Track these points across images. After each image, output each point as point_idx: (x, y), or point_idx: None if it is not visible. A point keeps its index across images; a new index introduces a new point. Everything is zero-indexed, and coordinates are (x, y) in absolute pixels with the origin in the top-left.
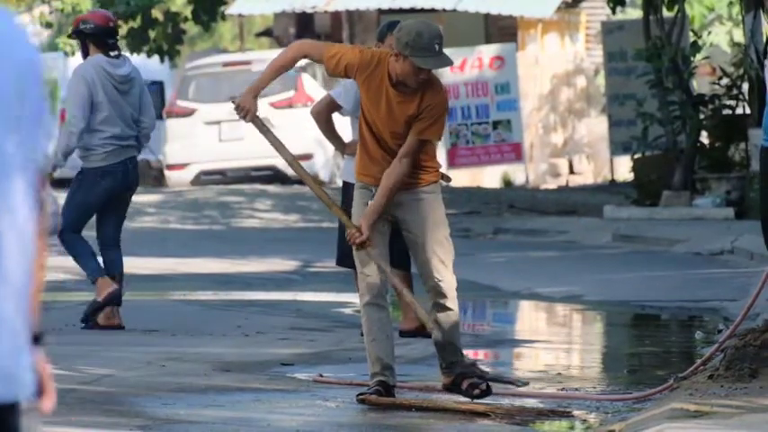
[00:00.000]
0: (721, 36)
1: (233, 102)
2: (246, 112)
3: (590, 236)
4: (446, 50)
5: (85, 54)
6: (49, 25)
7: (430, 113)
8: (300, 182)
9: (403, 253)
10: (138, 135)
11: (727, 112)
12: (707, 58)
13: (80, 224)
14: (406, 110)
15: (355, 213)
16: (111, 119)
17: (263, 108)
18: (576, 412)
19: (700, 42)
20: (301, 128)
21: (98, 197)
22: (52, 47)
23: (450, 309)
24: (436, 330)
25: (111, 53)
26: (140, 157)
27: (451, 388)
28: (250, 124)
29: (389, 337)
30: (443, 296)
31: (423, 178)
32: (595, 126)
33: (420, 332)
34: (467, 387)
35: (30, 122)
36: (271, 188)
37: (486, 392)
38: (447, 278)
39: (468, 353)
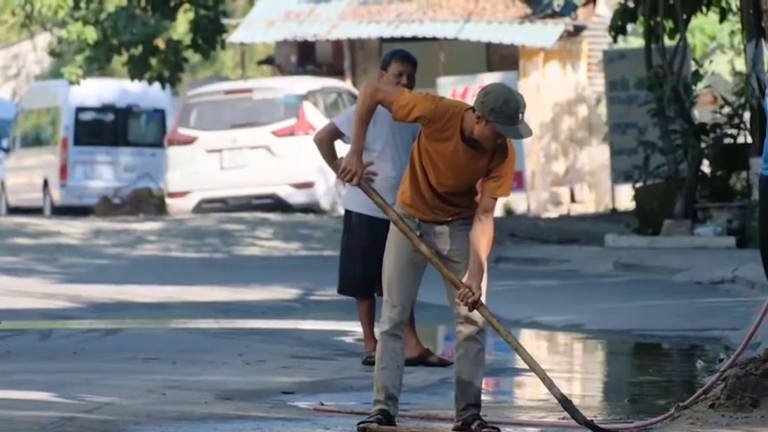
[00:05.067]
0: (723, 65)
1: (337, 165)
2: (354, 174)
3: (591, 265)
4: (448, 79)
5: None
6: (56, 54)
7: (500, 172)
8: (301, 210)
9: None
10: None
11: (728, 140)
12: (708, 86)
13: None
14: (476, 163)
15: (393, 232)
16: None
17: (265, 136)
18: None
19: (701, 71)
20: (303, 156)
21: None
22: (55, 75)
23: (479, 341)
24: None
25: None
26: (142, 184)
27: (462, 428)
28: (250, 152)
29: (400, 368)
30: (476, 325)
31: (470, 213)
32: (597, 154)
33: (421, 361)
34: (476, 427)
35: None
36: (272, 216)
37: None
38: (482, 308)
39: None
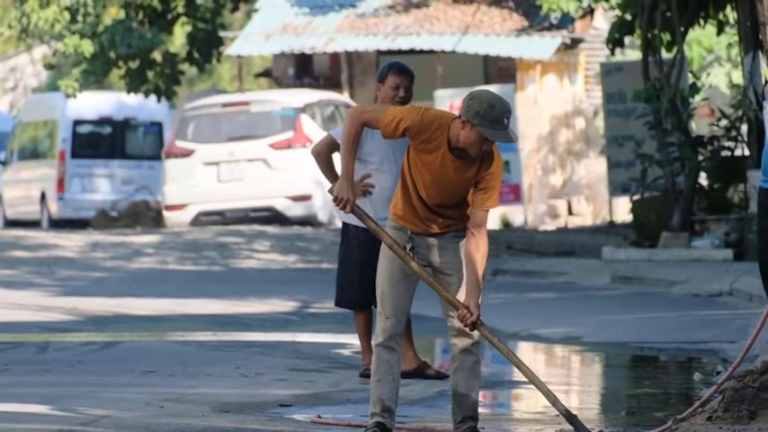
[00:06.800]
0: (720, 77)
1: (330, 192)
2: (346, 201)
3: (589, 277)
4: (445, 91)
5: None
6: (52, 67)
7: (488, 184)
8: (299, 223)
9: None
10: None
11: (725, 153)
12: (706, 99)
13: None
14: (464, 173)
15: (384, 250)
16: None
17: (262, 149)
18: None
19: (698, 84)
20: (300, 168)
21: None
22: (52, 87)
23: (474, 353)
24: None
25: None
26: (139, 197)
27: None
28: (247, 164)
29: (395, 380)
30: (470, 337)
31: (461, 225)
32: (594, 167)
33: (418, 373)
34: None
35: None
36: (269, 229)
37: None
38: (482, 327)
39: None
